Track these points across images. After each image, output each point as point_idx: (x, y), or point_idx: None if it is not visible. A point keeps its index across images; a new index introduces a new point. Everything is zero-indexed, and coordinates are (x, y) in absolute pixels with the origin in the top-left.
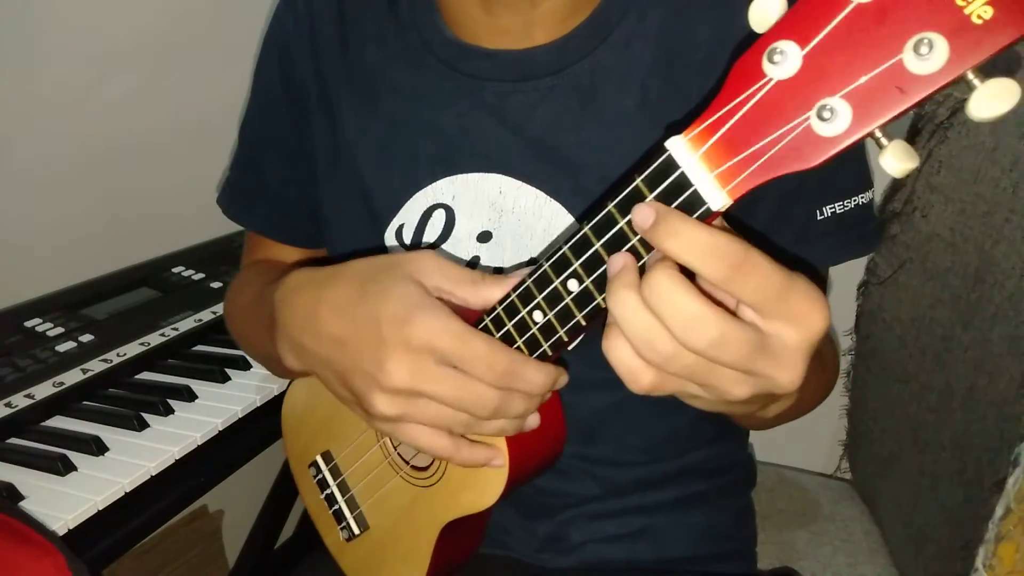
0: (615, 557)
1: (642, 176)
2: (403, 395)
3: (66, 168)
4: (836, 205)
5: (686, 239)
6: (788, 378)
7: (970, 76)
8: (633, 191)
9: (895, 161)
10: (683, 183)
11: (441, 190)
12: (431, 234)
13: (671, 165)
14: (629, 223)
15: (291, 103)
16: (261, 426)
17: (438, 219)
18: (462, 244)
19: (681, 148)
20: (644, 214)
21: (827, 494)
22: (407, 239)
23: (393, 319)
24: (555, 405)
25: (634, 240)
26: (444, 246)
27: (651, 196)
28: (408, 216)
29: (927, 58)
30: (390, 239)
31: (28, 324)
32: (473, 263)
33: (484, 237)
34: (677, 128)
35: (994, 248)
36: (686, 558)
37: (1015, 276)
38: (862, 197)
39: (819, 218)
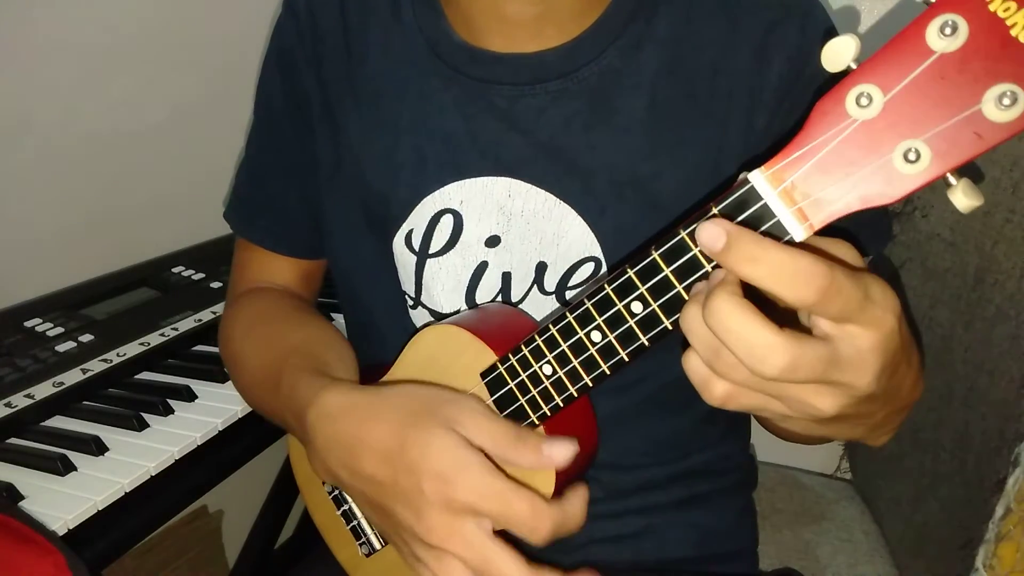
0: (618, 557)
1: (720, 206)
2: (439, 549)
3: (66, 168)
4: None
5: (767, 265)
6: (865, 380)
7: None
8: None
9: (964, 198)
10: (764, 215)
11: (449, 195)
12: (439, 240)
13: (752, 197)
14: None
15: (293, 114)
16: (261, 426)
17: (446, 225)
18: (470, 249)
19: (761, 181)
20: (712, 233)
21: (827, 494)
22: (416, 245)
23: (435, 475)
24: (591, 420)
25: (708, 267)
26: (452, 252)
27: None
28: (416, 221)
29: (1008, 109)
30: (399, 245)
31: (28, 324)
32: (481, 268)
33: (492, 242)
34: (684, 134)
35: (994, 248)
36: (688, 558)
37: (1015, 276)
38: None
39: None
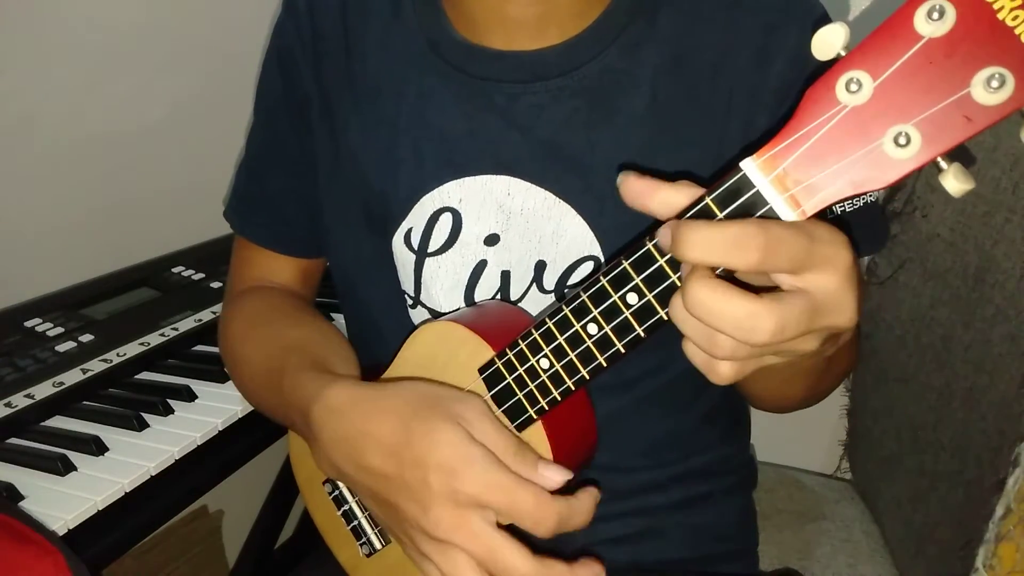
0: (618, 558)
1: (713, 195)
2: (444, 543)
3: (66, 168)
4: (845, 204)
5: (703, 244)
6: (846, 318)
7: None
8: (704, 208)
9: (955, 182)
10: (757, 202)
11: (448, 193)
12: (438, 238)
13: (745, 185)
14: None
15: (293, 113)
16: (261, 426)
17: (445, 223)
18: (469, 248)
19: (754, 169)
20: (664, 235)
21: (827, 494)
22: (415, 244)
23: (440, 468)
24: (589, 415)
25: None
26: (451, 250)
27: (723, 214)
28: (415, 220)
29: (997, 91)
30: (398, 243)
31: (28, 324)
32: (480, 267)
33: (491, 240)
34: (684, 133)
35: (994, 248)
36: (689, 559)
37: (1015, 276)
38: (870, 195)
39: (828, 217)
